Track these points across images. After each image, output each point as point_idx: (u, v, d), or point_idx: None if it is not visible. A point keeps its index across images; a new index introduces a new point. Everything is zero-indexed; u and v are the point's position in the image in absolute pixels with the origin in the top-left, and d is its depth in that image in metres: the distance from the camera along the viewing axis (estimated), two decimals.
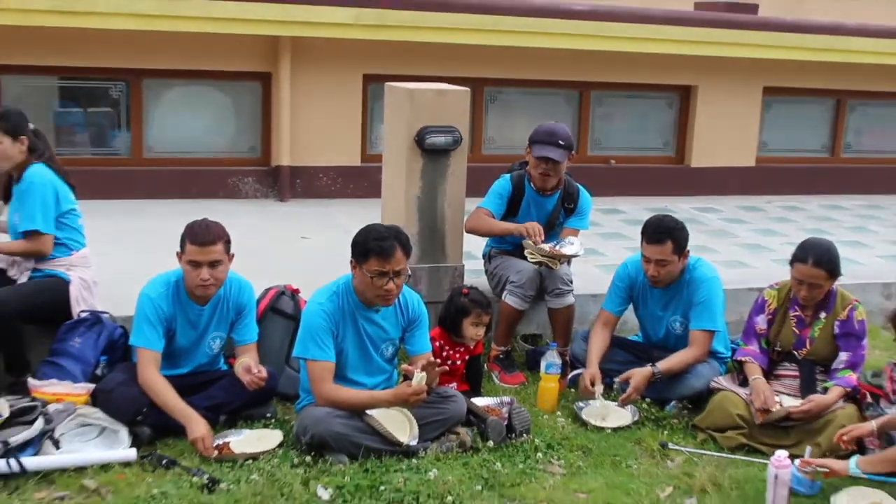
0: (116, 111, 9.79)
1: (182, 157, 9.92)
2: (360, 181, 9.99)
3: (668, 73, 11.06)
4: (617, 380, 5.72)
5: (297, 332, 5.52)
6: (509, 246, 6.32)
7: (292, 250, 7.78)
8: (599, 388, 5.61)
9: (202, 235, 5.05)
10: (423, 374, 4.86)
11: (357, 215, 9.04)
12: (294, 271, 6.31)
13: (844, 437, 4.76)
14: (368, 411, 4.93)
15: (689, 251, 5.77)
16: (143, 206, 9.12)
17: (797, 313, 5.52)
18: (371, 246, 4.91)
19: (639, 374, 5.56)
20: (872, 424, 4.81)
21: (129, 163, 9.68)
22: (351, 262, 5.05)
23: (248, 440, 5.04)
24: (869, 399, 5.31)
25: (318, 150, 10.05)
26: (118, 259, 5.99)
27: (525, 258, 6.13)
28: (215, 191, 9.74)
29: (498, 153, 10.27)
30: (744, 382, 5.52)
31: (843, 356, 5.39)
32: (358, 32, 9.55)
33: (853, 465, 4.52)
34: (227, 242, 5.14)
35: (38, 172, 5.56)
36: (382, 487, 4.55)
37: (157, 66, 9.58)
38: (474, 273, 6.65)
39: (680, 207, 8.81)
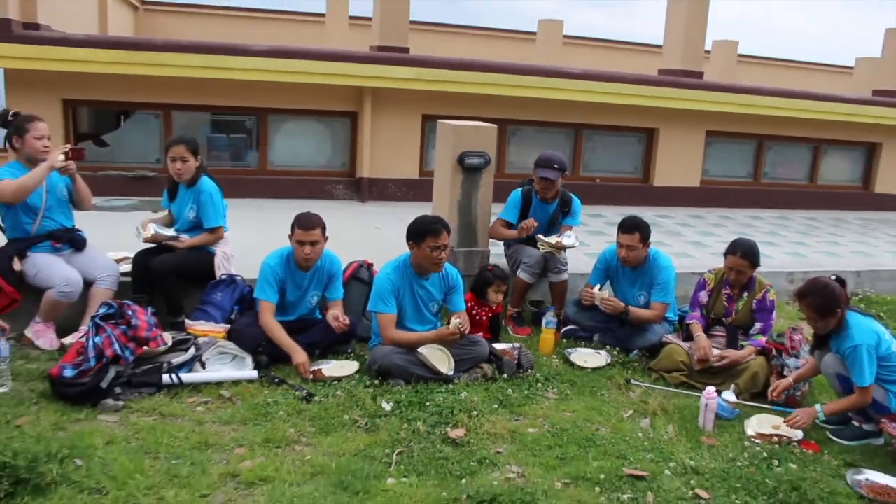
0: (249, 136, 9.76)
1: (293, 169, 9.85)
2: (417, 189, 9.91)
3: (638, 118, 10.93)
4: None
5: (370, 293, 5.58)
6: (521, 239, 6.30)
7: (369, 236, 7.77)
8: (598, 292, 5.79)
9: (306, 222, 5.06)
10: (458, 321, 4.93)
11: (415, 213, 9.03)
12: (370, 251, 6.29)
13: (774, 393, 4.79)
14: (419, 349, 4.93)
15: (650, 243, 5.74)
16: (265, 203, 9.13)
17: (727, 291, 5.46)
18: (427, 229, 4.95)
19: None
20: (790, 379, 4.81)
21: (256, 173, 9.67)
22: (409, 243, 5.04)
23: (334, 368, 5.04)
24: (774, 353, 5.26)
25: (388, 167, 9.96)
26: (247, 239, 6.01)
27: (534, 247, 6.13)
28: (316, 194, 9.70)
29: (516, 172, 10.20)
30: (687, 338, 5.48)
31: (758, 325, 5.34)
32: (418, 85, 9.50)
33: (819, 409, 4.48)
34: (324, 228, 5.15)
35: (210, 182, 5.59)
36: (427, 403, 4.56)
37: (278, 106, 9.54)
38: (496, 256, 6.62)
39: (645, 214, 8.65)
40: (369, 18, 13.63)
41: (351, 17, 15.69)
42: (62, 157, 5.04)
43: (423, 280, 5.10)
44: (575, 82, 10.12)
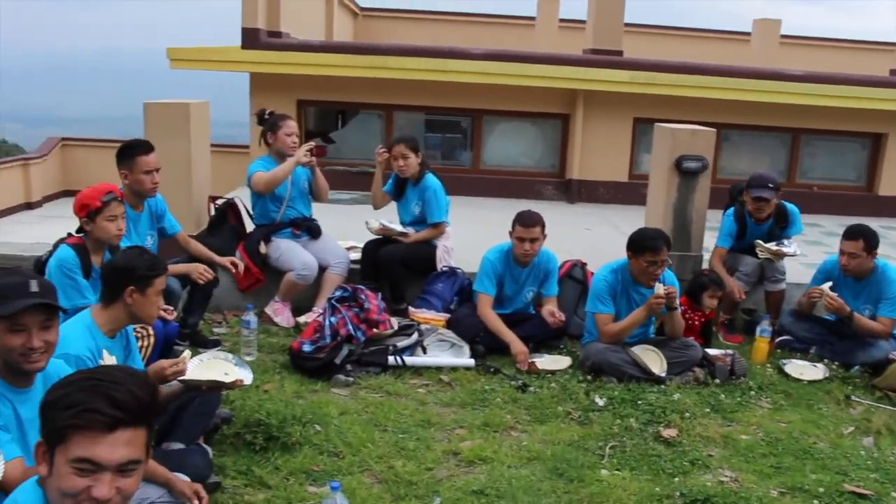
0: (464, 137, 10.16)
1: (505, 169, 10.13)
2: (626, 192, 9.90)
3: (864, 122, 10.32)
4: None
5: (584, 292, 5.70)
6: (737, 246, 6.16)
7: (579, 237, 7.84)
8: (826, 287, 5.47)
9: (528, 220, 5.25)
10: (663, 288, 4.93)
11: (624, 216, 9.07)
12: (579, 251, 6.38)
13: None
14: (633, 348, 4.99)
15: (877, 253, 5.47)
16: (478, 201, 9.39)
17: None
18: (647, 245, 4.92)
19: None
20: None
21: (470, 172, 10.02)
22: (628, 252, 5.06)
23: (547, 361, 5.18)
24: None
25: (598, 169, 10.01)
26: (459, 234, 6.27)
27: (750, 254, 6.00)
28: (525, 193, 9.88)
29: (727, 177, 9.93)
30: None
31: None
32: (632, 88, 9.49)
33: None
34: (543, 226, 5.31)
35: (434, 180, 5.90)
36: (639, 401, 4.60)
37: (492, 107, 9.86)
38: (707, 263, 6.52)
39: (869, 225, 8.17)
40: (579, 21, 13.70)
41: (561, 20, 15.79)
42: (307, 153, 5.53)
43: (641, 287, 5.13)
44: (794, 84, 9.73)
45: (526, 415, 4.48)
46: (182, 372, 3.29)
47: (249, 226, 5.90)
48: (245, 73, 9.35)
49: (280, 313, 5.64)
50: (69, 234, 4.24)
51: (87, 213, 3.95)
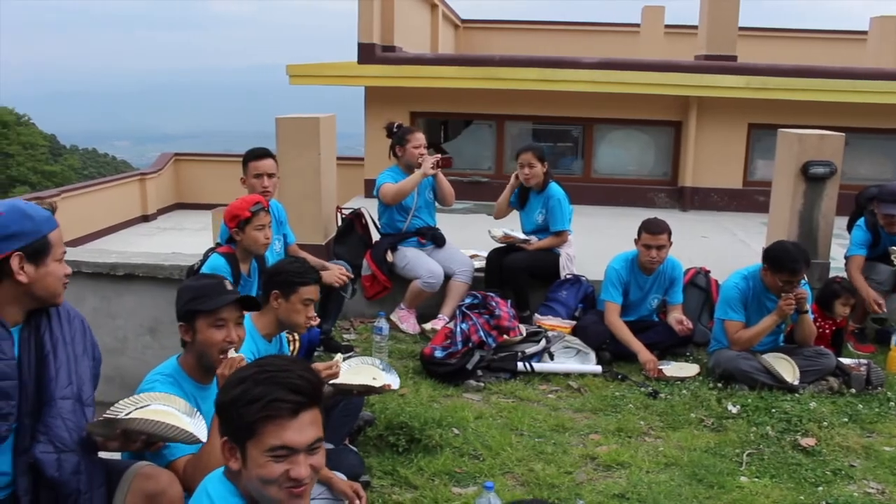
0: (574, 145, 10.21)
1: (616, 177, 10.12)
2: (741, 199, 9.74)
3: None
4: None
5: (708, 300, 5.69)
6: (870, 254, 6.00)
7: (696, 244, 7.79)
8: None
9: (654, 227, 5.27)
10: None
11: (740, 223, 8.97)
12: (700, 258, 6.34)
13: None
14: (765, 356, 4.94)
15: None
16: (589, 209, 9.38)
17: None
18: (787, 266, 4.82)
19: None
20: None
21: (581, 180, 10.01)
22: (765, 265, 4.96)
23: (674, 368, 5.18)
24: None
25: (711, 176, 9.87)
26: (579, 242, 6.31)
27: (884, 262, 5.84)
28: (636, 201, 9.85)
29: (851, 183, 9.64)
30: None
31: None
32: (746, 93, 9.33)
33: None
34: (670, 234, 5.33)
35: (558, 189, 5.95)
36: (774, 409, 4.55)
37: (603, 116, 9.87)
38: (836, 269, 6.38)
39: None
40: (686, 27, 13.54)
41: (667, 26, 15.66)
42: (433, 164, 5.68)
43: (774, 296, 5.07)
44: None
45: (659, 421, 4.50)
46: (336, 375, 3.44)
47: (375, 235, 6.09)
48: (360, 87, 9.63)
49: (405, 320, 5.80)
50: (217, 244, 4.49)
51: (238, 223, 4.17)
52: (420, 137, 5.83)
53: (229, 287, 2.88)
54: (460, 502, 3.59)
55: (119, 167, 60.16)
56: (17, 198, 2.29)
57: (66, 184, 31.41)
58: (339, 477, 3.15)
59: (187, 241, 8.47)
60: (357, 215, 6.05)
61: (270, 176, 4.96)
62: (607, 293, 5.39)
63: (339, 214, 6.28)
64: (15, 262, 2.29)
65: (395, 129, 5.93)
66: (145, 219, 12.86)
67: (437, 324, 5.65)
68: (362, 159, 10.24)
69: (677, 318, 5.34)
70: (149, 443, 2.53)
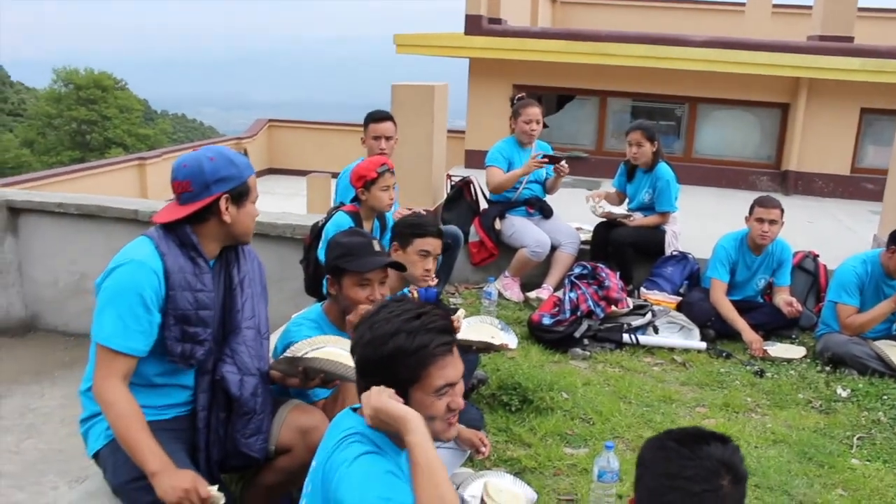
0: (677, 124, 10.15)
1: (718, 158, 10.03)
2: (846, 186, 9.57)
3: None
4: None
5: (815, 284, 5.67)
6: None
7: (801, 229, 7.69)
8: None
9: (768, 202, 5.27)
10: None
11: (846, 210, 8.84)
12: (805, 243, 6.25)
13: None
14: (877, 342, 4.92)
15: None
16: (689, 189, 9.27)
17: None
18: None
19: None
20: None
21: (682, 160, 9.93)
22: (889, 247, 4.92)
23: (780, 350, 5.17)
24: None
25: (817, 161, 9.70)
26: (686, 221, 6.32)
27: None
28: (738, 184, 9.76)
29: None
30: None
31: None
32: (862, 76, 9.11)
33: None
34: (782, 212, 5.31)
35: (668, 169, 5.95)
36: (885, 396, 4.53)
37: (708, 95, 9.78)
38: None
39: None
40: (793, 6, 13.24)
41: (774, 6, 15.31)
42: (538, 163, 5.71)
43: (893, 280, 5.02)
44: None
45: (766, 399, 4.54)
46: (457, 329, 3.58)
47: (482, 203, 6.22)
48: (464, 59, 9.75)
49: (510, 288, 5.93)
50: (341, 203, 4.69)
51: (364, 183, 4.35)
52: (532, 113, 5.90)
53: (377, 248, 3.04)
54: (572, 462, 3.72)
55: (206, 133, 61.77)
56: (217, 143, 2.51)
57: (158, 146, 32.55)
58: (464, 427, 3.30)
59: (279, 205, 8.73)
60: (466, 183, 6.19)
61: (388, 138, 5.14)
62: (714, 270, 5.41)
63: (448, 181, 6.43)
64: (222, 204, 2.55)
65: (514, 101, 6.03)
66: None
67: (542, 293, 5.77)
68: (462, 132, 10.38)
69: (786, 299, 5.33)
70: (325, 381, 2.74)
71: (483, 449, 3.20)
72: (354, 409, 2.10)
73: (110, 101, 39.50)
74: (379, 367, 2.01)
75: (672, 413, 4.27)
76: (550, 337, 5.02)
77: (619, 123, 9.94)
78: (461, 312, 3.69)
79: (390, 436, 1.99)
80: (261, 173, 13.95)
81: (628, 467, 3.66)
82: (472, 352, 3.84)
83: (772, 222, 5.25)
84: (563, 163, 5.76)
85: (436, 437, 2.05)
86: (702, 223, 5.88)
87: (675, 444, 1.71)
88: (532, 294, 5.84)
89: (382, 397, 1.96)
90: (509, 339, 3.85)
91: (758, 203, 5.31)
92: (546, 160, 5.72)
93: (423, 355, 1.98)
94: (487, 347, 3.76)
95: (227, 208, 2.57)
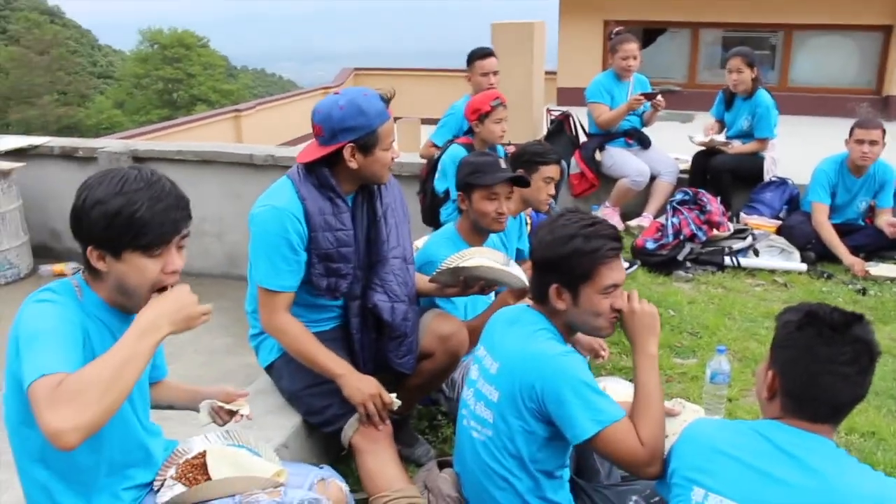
0: (771, 53, 10.10)
1: (814, 86, 9.97)
2: None
3: None
4: None
5: None
6: None
7: None
8: None
9: (868, 123, 5.36)
10: None
11: None
12: None
13: None
14: None
15: None
16: (785, 119, 9.19)
17: None
18: None
19: None
20: None
21: (776, 89, 9.77)
22: None
23: (883, 269, 5.28)
24: None
25: None
26: (784, 148, 6.41)
27: None
28: (836, 111, 9.59)
29: None
30: None
31: None
32: None
33: None
34: (884, 133, 5.37)
35: (767, 96, 6.03)
36: None
37: (805, 21, 9.69)
38: None
39: None
40: None
41: None
42: (638, 100, 5.89)
43: None
44: None
45: (869, 315, 4.66)
46: None
47: (581, 137, 6.45)
48: None
49: (610, 217, 6.13)
50: (455, 136, 4.99)
51: (478, 116, 4.63)
52: (629, 49, 6.05)
53: (503, 165, 3.33)
54: (683, 371, 4.00)
55: (285, 86, 62.68)
56: (359, 87, 2.72)
57: (241, 101, 33.41)
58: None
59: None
60: (566, 117, 6.42)
61: (494, 73, 5.39)
62: (815, 194, 5.53)
63: (547, 116, 6.67)
64: (347, 152, 2.69)
65: (612, 35, 6.21)
66: None
67: (643, 221, 6.01)
68: (551, 72, 10.52)
69: (888, 220, 5.42)
70: (482, 288, 3.02)
71: (603, 353, 3.50)
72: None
73: (194, 58, 40.65)
74: (557, 265, 2.30)
75: (773, 328, 4.48)
76: (654, 260, 5.27)
77: (711, 56, 9.94)
78: None
79: (565, 333, 2.37)
80: None
81: (735, 375, 3.93)
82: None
83: (872, 143, 5.32)
84: (659, 97, 5.94)
85: (597, 333, 2.41)
86: (800, 150, 5.96)
87: (829, 329, 1.85)
88: (633, 222, 6.08)
89: (645, 304, 2.34)
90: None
91: (857, 125, 5.39)
92: (644, 97, 5.91)
93: (596, 256, 2.26)
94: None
95: (352, 156, 2.69)
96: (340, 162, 2.72)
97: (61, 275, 5.72)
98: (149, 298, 1.90)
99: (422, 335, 3.03)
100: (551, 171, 3.88)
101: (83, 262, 1.95)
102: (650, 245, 5.31)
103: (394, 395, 2.74)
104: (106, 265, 1.89)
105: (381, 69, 15.54)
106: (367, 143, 2.69)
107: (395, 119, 9.26)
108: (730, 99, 6.27)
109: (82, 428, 1.62)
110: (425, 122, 9.44)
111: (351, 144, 2.68)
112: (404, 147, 9.11)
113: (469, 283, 2.98)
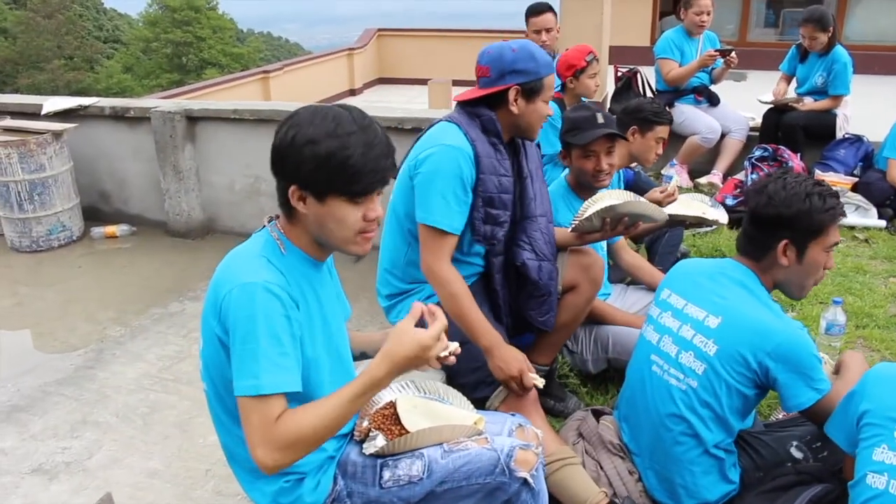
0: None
1: (870, 44, 9.90)
2: None
3: None
4: None
5: None
6: None
7: None
8: None
9: None
10: None
11: None
12: None
13: None
14: None
15: None
16: None
17: None
18: None
19: None
20: None
21: None
22: None
23: None
24: None
25: None
26: (855, 105, 6.44)
27: None
28: (893, 69, 9.66)
29: None
30: None
31: None
32: None
33: None
34: None
35: (844, 53, 6.03)
36: None
37: None
38: None
39: None
40: None
41: None
42: (711, 56, 5.90)
43: None
44: None
45: None
46: (674, 200, 3.87)
47: (649, 94, 6.46)
48: None
49: (679, 174, 6.20)
50: None
51: (574, 71, 4.66)
52: (704, 4, 6.07)
53: (601, 120, 3.32)
54: None
55: (292, 50, 62.40)
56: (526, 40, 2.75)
57: (251, 66, 33.24)
58: None
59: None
60: (634, 73, 6.44)
61: (549, 30, 5.41)
62: (892, 150, 5.55)
63: (615, 73, 6.68)
64: (511, 94, 2.71)
65: None
66: (352, 93, 13.81)
67: (713, 178, 6.05)
68: None
69: None
70: (627, 226, 3.06)
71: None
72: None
73: (203, 21, 40.41)
74: (793, 220, 2.37)
75: (867, 283, 4.57)
76: (734, 216, 5.29)
77: (763, 14, 9.88)
78: (675, 182, 3.98)
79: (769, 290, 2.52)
80: (371, 83, 14.34)
81: None
82: (684, 226, 4.16)
83: None
84: (733, 54, 5.95)
85: (800, 294, 2.53)
86: (879, 107, 5.95)
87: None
88: (702, 180, 6.12)
89: None
90: (720, 215, 4.08)
91: None
92: (717, 54, 5.93)
93: (830, 214, 2.36)
94: (700, 222, 3.97)
95: (515, 100, 2.72)
96: (501, 106, 2.75)
97: (112, 237, 5.75)
98: (345, 244, 1.90)
99: (563, 270, 3.07)
100: (664, 131, 3.94)
101: (279, 200, 1.90)
102: (730, 202, 5.36)
103: (538, 375, 2.72)
104: (306, 207, 1.85)
105: (404, 30, 15.49)
106: (532, 88, 2.72)
107: (427, 81, 9.30)
108: (804, 53, 6.27)
109: (288, 465, 1.78)
110: (456, 83, 9.43)
111: (517, 87, 2.71)
112: (436, 108, 9.17)
113: (612, 224, 3.03)
